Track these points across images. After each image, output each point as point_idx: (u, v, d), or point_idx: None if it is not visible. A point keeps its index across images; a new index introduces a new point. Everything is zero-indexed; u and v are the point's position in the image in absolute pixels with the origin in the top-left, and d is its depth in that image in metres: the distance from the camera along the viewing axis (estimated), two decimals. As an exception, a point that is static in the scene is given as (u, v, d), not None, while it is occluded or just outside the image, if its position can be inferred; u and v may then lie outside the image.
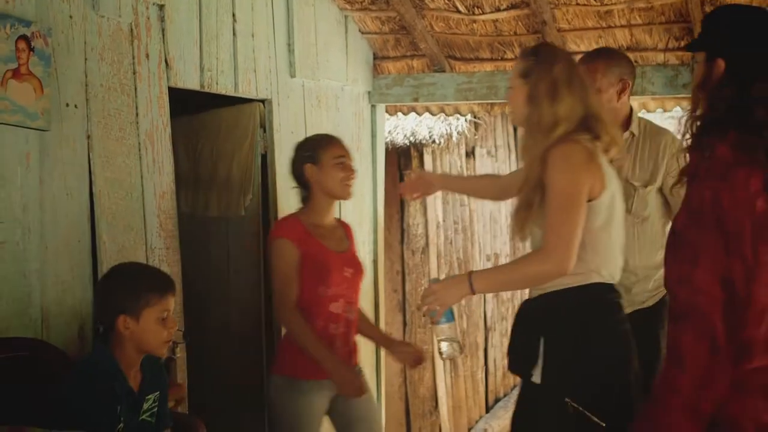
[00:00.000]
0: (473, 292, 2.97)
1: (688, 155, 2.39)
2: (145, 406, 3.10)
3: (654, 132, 4.07)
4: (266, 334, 4.71)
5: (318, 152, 3.75)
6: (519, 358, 3.10)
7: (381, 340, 4.20)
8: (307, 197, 3.81)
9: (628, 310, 3.80)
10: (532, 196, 2.95)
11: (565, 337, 2.97)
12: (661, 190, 4.02)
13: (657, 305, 3.92)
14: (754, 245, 2.19)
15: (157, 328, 3.01)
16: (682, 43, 4.95)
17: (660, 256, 4.12)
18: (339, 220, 3.98)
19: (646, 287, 3.93)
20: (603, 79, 3.87)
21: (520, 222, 3.00)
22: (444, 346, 3.06)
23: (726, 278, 2.18)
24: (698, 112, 2.39)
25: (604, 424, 2.85)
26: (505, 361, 3.61)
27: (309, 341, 3.61)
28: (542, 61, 3.03)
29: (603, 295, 3.02)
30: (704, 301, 2.19)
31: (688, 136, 2.39)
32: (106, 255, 3.54)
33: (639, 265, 3.86)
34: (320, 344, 3.63)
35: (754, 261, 2.18)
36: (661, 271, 4.19)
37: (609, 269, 3.02)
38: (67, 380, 2.97)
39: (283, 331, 3.89)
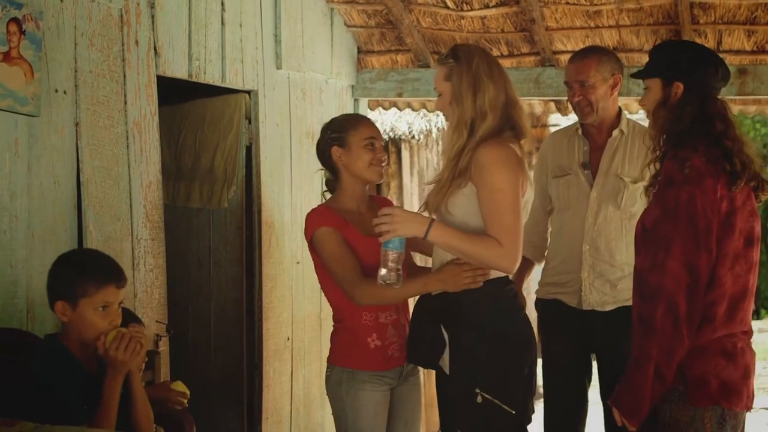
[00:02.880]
0: (424, 237, 3.03)
1: (657, 164, 2.93)
2: None
3: (643, 131, 4.10)
4: (247, 327, 4.66)
5: (346, 134, 3.36)
6: (423, 350, 3.20)
7: None
8: (335, 182, 3.45)
9: (611, 306, 3.84)
10: (448, 183, 3.08)
11: (470, 330, 3.08)
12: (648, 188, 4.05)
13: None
14: (719, 239, 2.75)
15: (95, 319, 2.84)
16: (669, 45, 4.96)
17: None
18: (374, 198, 3.58)
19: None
20: (596, 74, 3.90)
21: (435, 204, 3.12)
22: (383, 271, 3.04)
23: (691, 266, 2.73)
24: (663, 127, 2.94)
25: (513, 411, 3.02)
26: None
27: (395, 295, 3.22)
28: (461, 60, 3.12)
29: (503, 287, 3.16)
30: (672, 284, 2.73)
31: (656, 148, 2.93)
32: (93, 244, 3.47)
33: (626, 261, 3.85)
34: (406, 287, 3.20)
35: (717, 252, 2.75)
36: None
37: None
38: (30, 370, 2.83)
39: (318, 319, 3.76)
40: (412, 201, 7.16)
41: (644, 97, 3.06)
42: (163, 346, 3.83)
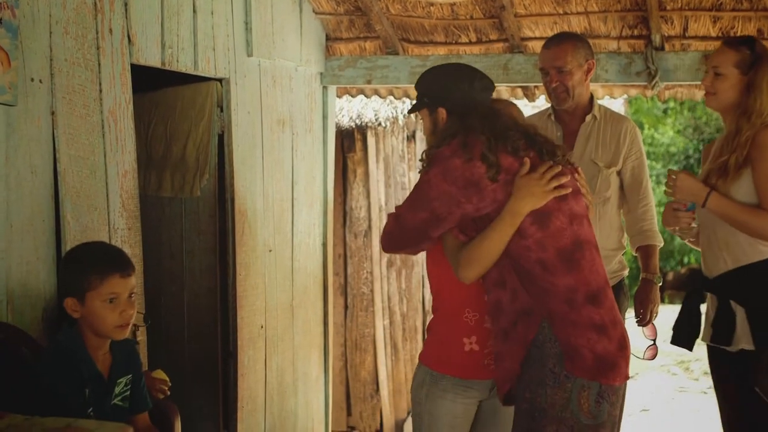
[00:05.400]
0: (703, 205, 3.44)
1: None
2: (117, 390, 3.03)
3: (614, 118, 4.20)
4: (221, 316, 4.64)
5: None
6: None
7: None
8: None
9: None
10: (736, 168, 3.39)
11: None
12: (619, 173, 4.13)
13: (615, 288, 3.99)
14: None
15: (104, 311, 2.91)
16: (636, 32, 5.03)
17: (616, 236, 4.22)
18: None
19: (608, 268, 3.99)
20: (573, 60, 3.96)
21: (725, 189, 3.43)
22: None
23: (399, 217, 3.04)
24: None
25: None
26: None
27: (489, 239, 2.94)
28: (760, 54, 3.46)
29: None
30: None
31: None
32: (71, 235, 3.43)
33: (601, 245, 3.89)
34: (492, 230, 2.94)
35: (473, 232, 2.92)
36: (621, 253, 4.29)
37: None
38: (39, 362, 2.89)
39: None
40: (379, 188, 7.17)
41: (424, 127, 3.24)
42: (141, 336, 3.80)
